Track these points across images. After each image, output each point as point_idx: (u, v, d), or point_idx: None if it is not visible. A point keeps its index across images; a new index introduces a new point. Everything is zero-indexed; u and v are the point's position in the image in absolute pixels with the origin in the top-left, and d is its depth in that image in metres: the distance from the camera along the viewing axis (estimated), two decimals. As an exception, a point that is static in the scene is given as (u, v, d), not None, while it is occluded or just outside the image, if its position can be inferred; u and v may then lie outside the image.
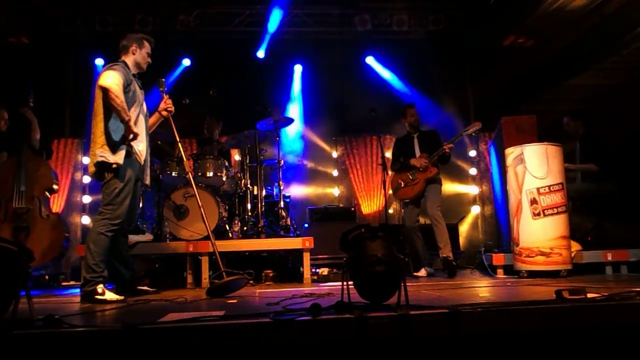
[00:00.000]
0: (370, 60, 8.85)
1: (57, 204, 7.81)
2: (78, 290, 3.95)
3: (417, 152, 5.95)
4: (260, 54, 8.57)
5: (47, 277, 5.75)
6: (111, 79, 3.76)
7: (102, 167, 3.82)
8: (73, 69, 8.24)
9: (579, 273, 4.95)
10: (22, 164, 5.19)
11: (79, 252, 4.71)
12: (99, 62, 8.10)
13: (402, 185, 5.92)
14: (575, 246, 5.18)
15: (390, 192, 6.35)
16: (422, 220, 6.12)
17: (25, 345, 2.05)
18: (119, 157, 3.84)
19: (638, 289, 2.83)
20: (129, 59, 4.09)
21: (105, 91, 3.75)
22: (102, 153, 3.79)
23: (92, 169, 3.88)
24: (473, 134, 6.06)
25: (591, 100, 7.86)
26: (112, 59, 4.08)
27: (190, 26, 8.06)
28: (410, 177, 5.86)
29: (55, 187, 5.47)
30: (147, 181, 4.32)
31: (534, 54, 7.75)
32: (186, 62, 8.42)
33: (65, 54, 7.93)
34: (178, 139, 4.33)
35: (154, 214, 5.70)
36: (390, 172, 6.19)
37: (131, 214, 4.11)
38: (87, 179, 8.20)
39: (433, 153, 5.80)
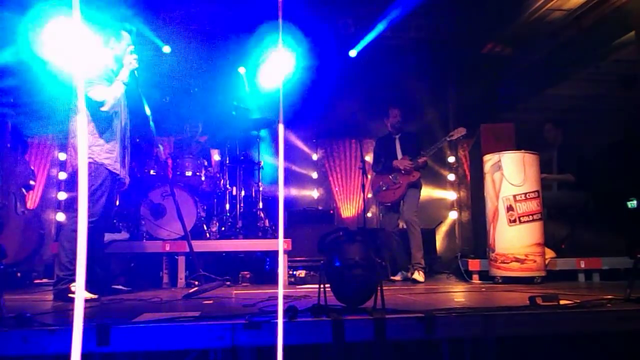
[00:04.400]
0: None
1: (31, 201, 7.66)
2: (51, 288, 3.89)
3: (399, 154, 5.92)
4: (242, 70, 8.55)
5: (19, 274, 5.65)
6: (97, 94, 3.75)
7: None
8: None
9: (553, 280, 5.02)
10: (-1, 160, 5.13)
11: (53, 249, 4.63)
12: (79, 57, 7.93)
13: (384, 188, 5.87)
14: (550, 253, 5.26)
15: (370, 195, 6.33)
16: (401, 224, 6.13)
17: (-5, 343, 2.02)
18: (104, 157, 3.83)
19: (609, 297, 2.88)
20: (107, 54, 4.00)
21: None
22: (90, 155, 3.77)
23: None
24: (455, 140, 6.06)
25: (568, 110, 8.00)
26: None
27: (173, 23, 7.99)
28: (393, 180, 5.83)
29: (32, 183, 5.40)
30: (127, 180, 4.28)
31: (513, 62, 7.86)
32: (166, 49, 8.24)
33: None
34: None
35: (131, 213, 5.63)
36: (369, 175, 6.17)
37: (107, 212, 4.06)
38: (62, 176, 8.06)
39: (414, 155, 5.79)
